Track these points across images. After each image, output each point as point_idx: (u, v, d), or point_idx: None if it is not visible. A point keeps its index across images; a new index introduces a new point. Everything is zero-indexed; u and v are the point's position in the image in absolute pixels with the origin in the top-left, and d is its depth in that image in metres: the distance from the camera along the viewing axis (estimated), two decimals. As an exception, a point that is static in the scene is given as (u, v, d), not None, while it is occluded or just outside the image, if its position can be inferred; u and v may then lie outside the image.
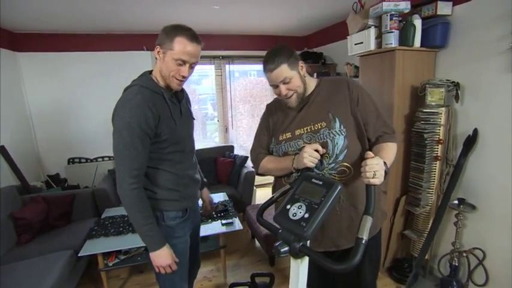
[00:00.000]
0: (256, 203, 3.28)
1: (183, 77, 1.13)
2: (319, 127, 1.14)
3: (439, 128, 1.84)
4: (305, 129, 1.16)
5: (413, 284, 2.05)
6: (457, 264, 1.95)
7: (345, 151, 1.11)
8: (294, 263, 0.96)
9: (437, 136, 1.85)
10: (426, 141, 1.84)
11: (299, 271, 0.95)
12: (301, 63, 1.13)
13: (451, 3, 1.82)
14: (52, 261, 1.93)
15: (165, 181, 1.20)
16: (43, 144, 3.28)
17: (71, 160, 3.42)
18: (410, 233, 2.11)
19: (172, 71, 1.11)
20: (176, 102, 1.21)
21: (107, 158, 3.44)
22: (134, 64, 3.38)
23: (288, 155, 1.18)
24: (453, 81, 1.82)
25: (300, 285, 0.96)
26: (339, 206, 1.14)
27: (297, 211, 0.90)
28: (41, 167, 3.28)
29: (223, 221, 2.16)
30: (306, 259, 0.94)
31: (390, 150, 1.11)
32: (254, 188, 3.25)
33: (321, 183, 0.93)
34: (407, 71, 1.88)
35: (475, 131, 1.80)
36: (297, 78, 1.11)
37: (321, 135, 1.13)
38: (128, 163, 1.08)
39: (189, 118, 1.33)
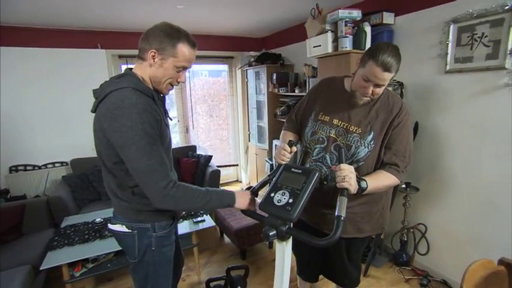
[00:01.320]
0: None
1: (179, 83, 1.10)
2: (354, 130, 1.19)
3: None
4: (342, 123, 1.21)
5: (372, 261, 2.31)
6: (406, 239, 2.25)
7: (361, 163, 1.18)
8: (279, 246, 1.06)
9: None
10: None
11: (284, 253, 1.05)
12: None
13: (393, 14, 2.10)
14: (7, 279, 1.76)
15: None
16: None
17: (14, 168, 3.08)
18: (366, 216, 2.36)
19: (170, 78, 1.07)
20: (161, 103, 1.15)
21: (59, 164, 3.17)
22: (87, 63, 3.18)
23: (316, 135, 1.26)
24: (398, 81, 2.10)
25: (285, 266, 1.06)
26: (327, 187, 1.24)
27: (281, 197, 1.00)
28: (-28, 179, 2.91)
29: (195, 219, 2.18)
30: (290, 241, 1.05)
31: (383, 178, 1.16)
32: (219, 186, 3.30)
33: (300, 171, 1.04)
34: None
35: (416, 124, 2.09)
36: (385, 87, 1.14)
37: (350, 138, 1.19)
38: (159, 172, 0.99)
39: (167, 118, 1.30)
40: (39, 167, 3.15)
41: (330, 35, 2.09)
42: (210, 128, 4.53)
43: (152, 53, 1.01)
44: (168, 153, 1.15)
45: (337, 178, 1.04)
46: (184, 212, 2.28)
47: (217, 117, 4.54)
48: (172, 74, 1.06)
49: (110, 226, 1.18)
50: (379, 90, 1.13)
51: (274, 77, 3.27)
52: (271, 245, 2.63)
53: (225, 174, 4.45)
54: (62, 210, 2.48)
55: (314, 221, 1.34)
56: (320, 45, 2.17)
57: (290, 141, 1.22)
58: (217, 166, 3.40)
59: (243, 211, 1.18)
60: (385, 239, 2.42)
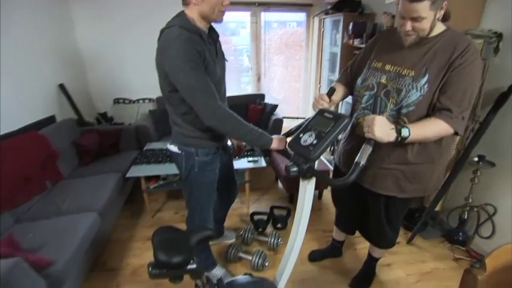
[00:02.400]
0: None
1: (226, 5, 1.19)
2: (406, 74, 1.12)
3: (470, 83, 1.79)
4: (395, 68, 1.16)
5: (421, 231, 2.20)
6: (466, 217, 2.04)
7: (412, 108, 1.11)
8: (302, 183, 1.14)
9: (467, 91, 1.81)
10: (454, 96, 1.82)
11: (306, 190, 1.13)
12: (444, 4, 1.03)
13: None
14: (106, 179, 2.33)
15: (201, 122, 1.23)
16: (93, 85, 3.63)
17: (117, 100, 3.77)
18: (425, 185, 2.19)
19: (217, 5, 1.16)
20: (212, 43, 1.28)
21: (148, 100, 3.74)
22: (175, 8, 3.46)
23: (366, 82, 1.24)
24: (496, 32, 1.72)
25: (306, 202, 1.16)
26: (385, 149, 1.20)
27: (307, 138, 1.05)
28: (92, 105, 3.68)
29: (250, 158, 2.39)
30: (313, 181, 1.12)
31: (430, 125, 1.06)
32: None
33: (331, 116, 1.06)
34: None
35: (510, 88, 1.74)
36: (428, 21, 1.03)
37: (402, 82, 1.12)
38: (207, 91, 1.14)
39: (223, 59, 1.41)
40: (133, 101, 3.78)
41: (414, -26, 1.79)
42: (285, 79, 4.56)
43: None
44: (218, 88, 1.28)
45: (363, 127, 1.02)
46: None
47: (292, 69, 4.51)
48: (215, 1, 1.15)
49: (168, 146, 1.45)
50: (420, 26, 1.03)
51: (351, 27, 3.00)
52: (320, 196, 2.72)
53: (291, 126, 4.53)
54: (146, 137, 3.02)
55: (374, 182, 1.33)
56: (401, -12, 1.89)
57: (331, 88, 1.22)
58: (284, 117, 3.48)
59: (277, 151, 1.29)
60: (442, 212, 2.23)
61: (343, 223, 1.82)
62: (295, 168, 1.04)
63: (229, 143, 1.70)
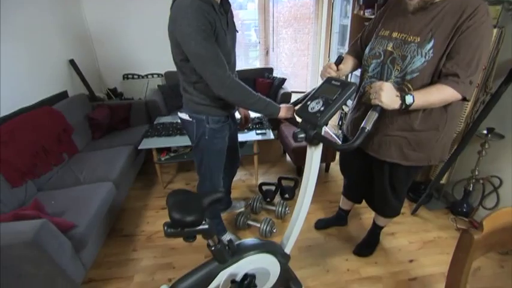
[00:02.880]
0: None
1: None
2: (412, 40, 1.11)
3: (483, 53, 1.75)
4: (401, 35, 1.15)
5: (426, 203, 2.25)
6: (471, 189, 2.07)
7: (416, 74, 1.10)
8: (309, 150, 1.18)
9: (480, 61, 1.77)
10: (466, 66, 1.78)
11: (313, 156, 1.17)
12: None
13: None
14: (119, 152, 2.42)
15: (212, 90, 1.26)
16: (102, 61, 3.65)
17: (126, 76, 3.80)
18: (432, 158, 2.20)
19: None
20: (223, 13, 1.29)
21: (156, 75, 3.76)
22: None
23: (373, 50, 1.24)
24: (514, -1, 1.66)
25: (312, 168, 1.20)
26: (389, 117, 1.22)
27: (315, 106, 1.08)
28: (101, 81, 3.72)
29: (258, 131, 2.44)
30: (319, 147, 1.16)
31: (436, 91, 1.04)
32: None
33: (338, 83, 1.07)
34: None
35: (526, 57, 1.70)
36: None
37: (407, 48, 1.11)
38: (216, 61, 1.17)
39: (234, 30, 1.42)
40: (142, 77, 3.80)
41: None
42: (293, 53, 4.49)
43: None
44: (229, 59, 1.30)
45: (370, 94, 1.04)
46: (250, 124, 2.55)
47: (301, 42, 4.42)
48: None
49: (179, 114, 1.50)
50: None
51: (362, -4, 2.90)
52: (327, 168, 2.77)
53: (301, 101, 4.52)
54: (155, 111, 3.08)
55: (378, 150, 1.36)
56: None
57: (339, 57, 1.23)
58: (292, 91, 3.46)
59: (285, 119, 1.32)
60: (447, 185, 2.26)
61: (350, 192, 1.88)
62: (302, 135, 1.07)
63: (237, 115, 1.73)
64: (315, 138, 1.07)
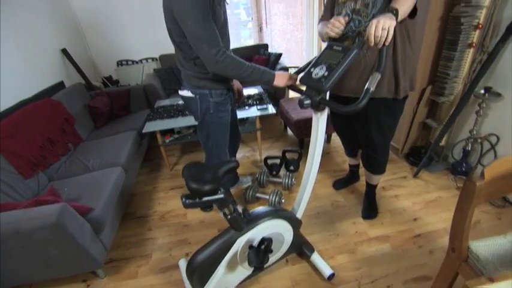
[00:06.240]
0: (289, 97, 3.51)
1: None
2: None
3: (480, 11, 1.76)
4: None
5: (427, 166, 2.32)
6: (470, 149, 2.13)
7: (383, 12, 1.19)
8: (315, 116, 1.22)
9: (477, 20, 1.78)
10: (463, 27, 1.79)
11: (319, 122, 1.21)
12: None
13: None
14: (124, 137, 2.45)
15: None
16: (94, 49, 3.59)
17: (120, 63, 3.76)
18: (431, 121, 2.25)
19: None
20: None
21: (151, 60, 3.72)
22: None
23: (341, 15, 1.32)
24: (510, -46, 1.64)
25: (319, 133, 1.24)
26: (364, 60, 1.32)
27: (318, 71, 1.10)
28: (96, 69, 3.68)
29: (259, 107, 2.46)
30: (325, 113, 1.19)
31: None
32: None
33: (340, 49, 1.09)
34: None
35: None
36: None
37: None
38: (210, 40, 1.18)
39: (224, 1, 1.41)
40: (137, 62, 3.76)
41: None
42: (286, 29, 4.42)
43: None
44: (223, 32, 1.32)
45: (371, 43, 1.01)
46: (250, 100, 2.57)
47: (293, 17, 4.35)
48: None
49: (180, 92, 1.51)
50: None
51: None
52: (329, 139, 2.82)
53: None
54: (154, 95, 3.09)
55: (355, 89, 1.43)
56: None
57: (347, 14, 1.28)
58: (289, 67, 3.45)
59: (287, 87, 1.35)
60: (447, 147, 2.33)
61: (348, 149, 2.04)
62: (308, 101, 1.10)
63: None
64: (321, 103, 1.10)
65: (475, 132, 2.06)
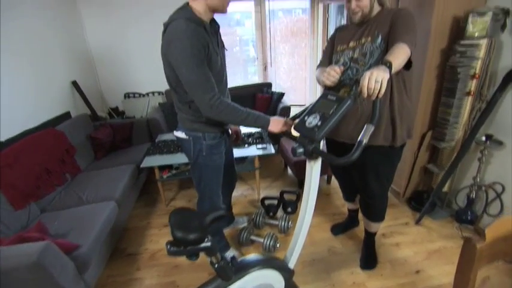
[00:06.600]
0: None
1: None
2: (365, 41, 1.35)
3: (476, 62, 1.79)
4: (356, 42, 1.39)
5: (430, 212, 2.24)
6: (474, 197, 2.06)
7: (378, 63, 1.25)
8: (308, 165, 1.20)
9: (473, 70, 1.81)
10: (459, 76, 1.82)
11: (312, 171, 1.19)
12: None
13: None
14: (122, 171, 2.44)
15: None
16: (104, 81, 3.73)
17: (127, 95, 3.87)
18: (432, 166, 2.21)
19: None
20: (214, 33, 1.32)
21: (157, 93, 3.83)
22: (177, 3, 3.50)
23: (339, 62, 1.45)
24: (503, 8, 1.70)
25: (313, 181, 1.21)
26: (361, 107, 1.36)
27: (312, 120, 1.10)
28: (103, 100, 3.79)
29: (258, 146, 2.45)
30: (319, 161, 1.17)
31: (396, 49, 1.15)
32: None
33: (334, 98, 1.10)
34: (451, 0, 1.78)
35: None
36: (367, 0, 1.31)
37: (364, 47, 1.35)
38: (205, 87, 1.20)
39: (223, 49, 1.45)
40: (143, 95, 3.87)
41: (417, -46, 1.78)
42: (291, 67, 4.57)
43: None
44: (220, 78, 1.34)
45: (364, 94, 1.00)
46: (250, 139, 2.57)
47: (298, 57, 4.51)
48: None
49: (175, 132, 1.52)
50: (362, 3, 1.30)
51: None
52: (329, 180, 2.77)
53: (299, 114, 4.55)
54: (157, 129, 3.12)
55: (351, 136, 1.44)
56: (404, -31, 1.88)
57: (345, 62, 1.36)
58: (291, 105, 3.50)
59: (282, 133, 1.34)
60: (450, 193, 2.26)
61: (346, 193, 2.00)
62: (301, 149, 1.09)
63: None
64: (314, 153, 1.09)
65: (478, 180, 2.00)
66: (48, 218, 1.87)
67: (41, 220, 1.73)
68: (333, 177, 2.78)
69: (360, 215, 2.01)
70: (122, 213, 2.15)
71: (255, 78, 4.39)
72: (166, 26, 1.23)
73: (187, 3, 1.26)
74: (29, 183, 1.96)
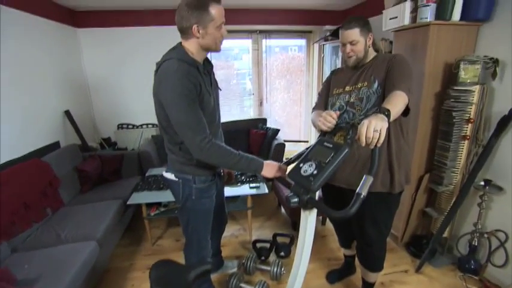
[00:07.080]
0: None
1: (225, 36, 1.24)
2: (362, 86, 1.36)
3: (470, 107, 1.80)
4: (353, 86, 1.40)
5: (430, 259, 2.12)
6: (476, 244, 1.96)
7: (375, 108, 1.28)
8: (303, 214, 1.12)
9: (468, 115, 1.81)
10: (455, 120, 1.82)
11: (307, 220, 1.11)
12: (370, 35, 1.37)
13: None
14: (107, 206, 2.31)
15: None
16: (98, 111, 3.70)
17: (120, 126, 3.82)
18: (431, 210, 2.13)
19: (218, 38, 1.21)
20: (207, 73, 1.30)
21: (151, 125, 3.79)
22: (172, 38, 3.59)
23: (335, 106, 1.45)
24: (492, 58, 1.75)
25: (307, 233, 1.12)
26: (358, 152, 1.32)
27: (307, 169, 1.04)
28: (96, 130, 3.72)
29: (252, 185, 2.37)
30: (314, 212, 1.10)
31: (393, 97, 1.15)
32: (284, 159, 3.41)
33: (331, 146, 1.05)
34: (442, 47, 1.83)
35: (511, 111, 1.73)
36: (362, 44, 1.34)
37: (361, 92, 1.36)
38: (195, 128, 1.15)
39: (217, 88, 1.42)
40: (137, 126, 3.82)
41: (408, 4, 1.85)
42: (287, 103, 4.62)
43: (195, 29, 1.15)
44: (212, 118, 1.30)
45: (362, 144, 0.95)
46: (243, 178, 2.49)
47: (294, 93, 4.58)
48: (217, 34, 1.20)
49: (164, 174, 1.44)
50: (356, 48, 1.33)
51: (349, 53, 3.07)
52: (324, 222, 2.66)
53: (295, 150, 4.53)
54: (148, 162, 3.02)
55: (348, 181, 1.40)
56: (396, 17, 1.95)
57: (341, 105, 1.37)
58: (285, 141, 3.48)
59: (276, 178, 1.27)
60: (450, 238, 2.16)
61: (342, 239, 1.91)
62: (295, 199, 1.03)
63: None
64: (309, 203, 1.02)
65: (480, 226, 1.93)
66: (18, 259, 1.71)
67: (9, 263, 1.58)
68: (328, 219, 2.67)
69: (357, 262, 1.90)
70: (103, 253, 1.99)
71: (251, 111, 4.41)
72: (159, 65, 1.20)
73: (180, 43, 1.24)
74: (3, 220, 1.82)
